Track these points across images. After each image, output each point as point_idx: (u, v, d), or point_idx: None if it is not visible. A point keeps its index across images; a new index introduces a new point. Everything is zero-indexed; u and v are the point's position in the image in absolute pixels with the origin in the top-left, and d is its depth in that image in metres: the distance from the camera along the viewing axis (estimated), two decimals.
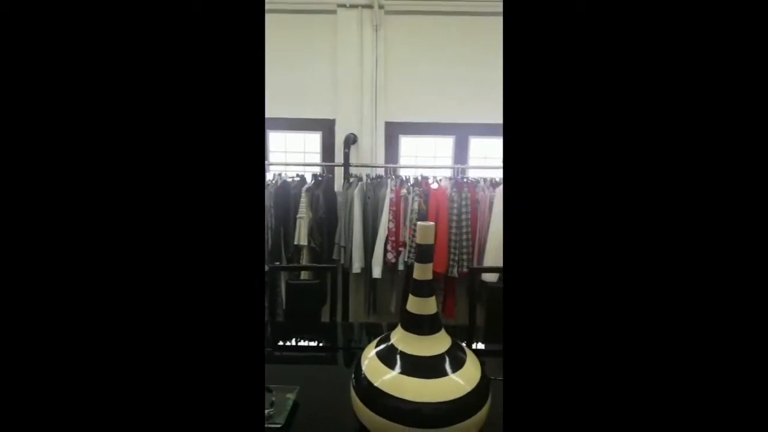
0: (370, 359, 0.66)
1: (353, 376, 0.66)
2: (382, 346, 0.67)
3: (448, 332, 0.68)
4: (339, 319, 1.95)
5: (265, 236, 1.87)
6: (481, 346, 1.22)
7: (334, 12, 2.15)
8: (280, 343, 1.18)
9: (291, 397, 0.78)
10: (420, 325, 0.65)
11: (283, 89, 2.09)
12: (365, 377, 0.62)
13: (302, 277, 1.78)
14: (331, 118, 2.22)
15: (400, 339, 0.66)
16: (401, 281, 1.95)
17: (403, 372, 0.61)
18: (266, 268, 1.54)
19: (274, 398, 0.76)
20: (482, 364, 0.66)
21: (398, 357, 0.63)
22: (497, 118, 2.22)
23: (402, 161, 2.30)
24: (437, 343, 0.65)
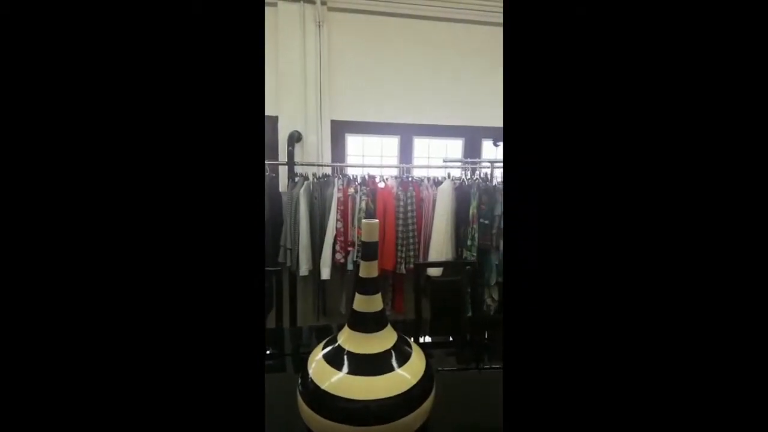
0: (317, 362, 0.64)
1: (299, 381, 0.64)
2: (328, 348, 0.66)
3: (397, 327, 0.70)
4: (287, 324, 1.88)
5: None
6: (428, 339, 1.26)
7: (275, 5, 2.06)
8: None
9: None
10: (366, 323, 0.65)
11: None
12: (312, 381, 0.61)
13: None
14: (273, 114, 2.13)
15: (347, 339, 0.66)
16: (351, 281, 1.94)
17: (351, 372, 0.61)
18: None
19: None
20: (428, 357, 0.69)
21: (345, 357, 0.63)
22: (438, 119, 2.31)
23: (349, 160, 2.29)
24: (383, 340, 0.66)
